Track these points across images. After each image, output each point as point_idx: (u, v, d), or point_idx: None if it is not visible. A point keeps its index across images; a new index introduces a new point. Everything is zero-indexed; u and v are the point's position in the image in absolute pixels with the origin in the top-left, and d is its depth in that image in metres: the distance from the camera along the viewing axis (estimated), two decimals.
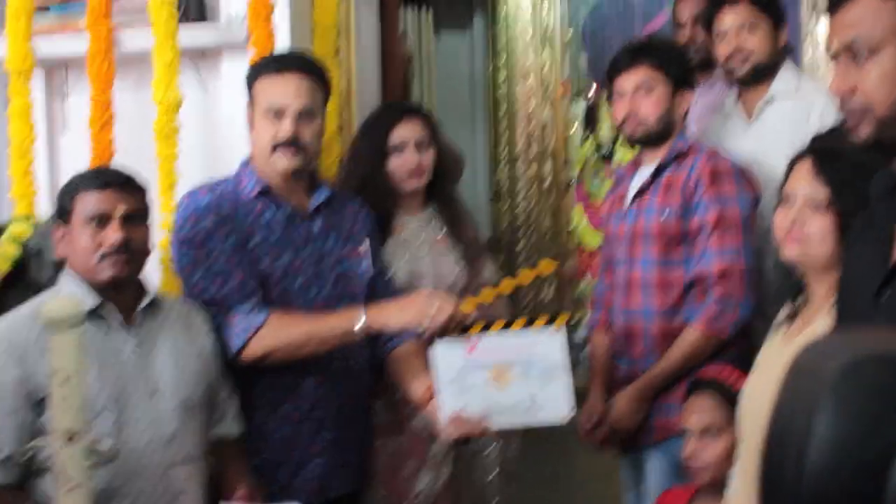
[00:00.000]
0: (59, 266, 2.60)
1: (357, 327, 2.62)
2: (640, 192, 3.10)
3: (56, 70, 3.67)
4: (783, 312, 2.41)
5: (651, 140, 3.09)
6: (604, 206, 3.41)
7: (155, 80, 3.26)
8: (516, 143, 6.99)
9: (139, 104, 3.39)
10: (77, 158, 3.40)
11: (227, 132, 3.41)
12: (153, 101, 3.25)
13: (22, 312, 2.40)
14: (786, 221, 2.26)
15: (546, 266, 2.74)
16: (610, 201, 3.29)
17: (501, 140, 7.02)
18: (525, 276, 2.74)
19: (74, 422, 1.62)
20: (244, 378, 2.72)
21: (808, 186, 2.23)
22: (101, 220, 2.42)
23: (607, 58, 3.26)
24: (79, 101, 3.52)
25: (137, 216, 2.49)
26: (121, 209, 2.43)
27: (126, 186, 2.48)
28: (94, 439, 1.68)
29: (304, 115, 2.72)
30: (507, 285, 2.71)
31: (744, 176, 3.02)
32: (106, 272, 2.41)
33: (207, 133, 3.50)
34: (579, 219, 8.19)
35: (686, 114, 3.15)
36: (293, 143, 2.71)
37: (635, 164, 3.21)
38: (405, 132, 3.13)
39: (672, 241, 3.01)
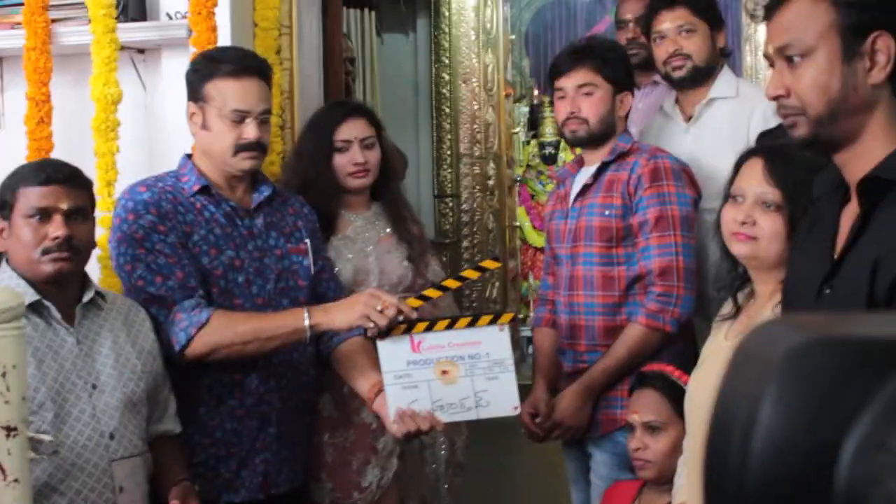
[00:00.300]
0: None
1: (305, 327, 2.61)
2: (583, 191, 3.12)
3: None
4: (725, 308, 2.43)
5: (592, 141, 3.11)
6: (547, 205, 3.43)
7: (93, 76, 3.22)
8: (460, 144, 7.00)
9: (78, 100, 3.34)
10: (14, 154, 3.35)
11: (167, 129, 3.37)
12: (91, 97, 3.21)
13: None
14: (736, 219, 2.28)
15: (490, 264, 2.76)
16: (553, 200, 3.32)
17: (445, 140, 7.04)
18: (469, 273, 2.75)
19: (14, 416, 1.59)
20: (188, 373, 2.69)
21: (758, 186, 2.25)
22: (44, 216, 2.38)
23: (550, 61, 3.28)
24: (16, 96, 3.47)
25: (80, 212, 2.44)
26: (63, 205, 2.39)
27: (69, 181, 2.44)
28: (35, 434, 1.64)
29: (263, 118, 2.74)
30: (451, 283, 2.72)
31: (685, 175, 3.05)
32: (47, 268, 2.38)
33: (147, 130, 3.46)
34: (523, 219, 8.24)
35: (627, 115, 3.17)
36: (257, 146, 2.73)
37: (578, 164, 3.24)
38: (351, 130, 3.14)
39: (614, 239, 3.03)
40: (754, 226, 2.25)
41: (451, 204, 7.03)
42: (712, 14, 3.41)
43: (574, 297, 3.10)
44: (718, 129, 3.29)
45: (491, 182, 7.07)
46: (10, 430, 1.58)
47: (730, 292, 2.40)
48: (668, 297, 2.95)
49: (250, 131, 2.70)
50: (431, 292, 2.68)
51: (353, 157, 3.12)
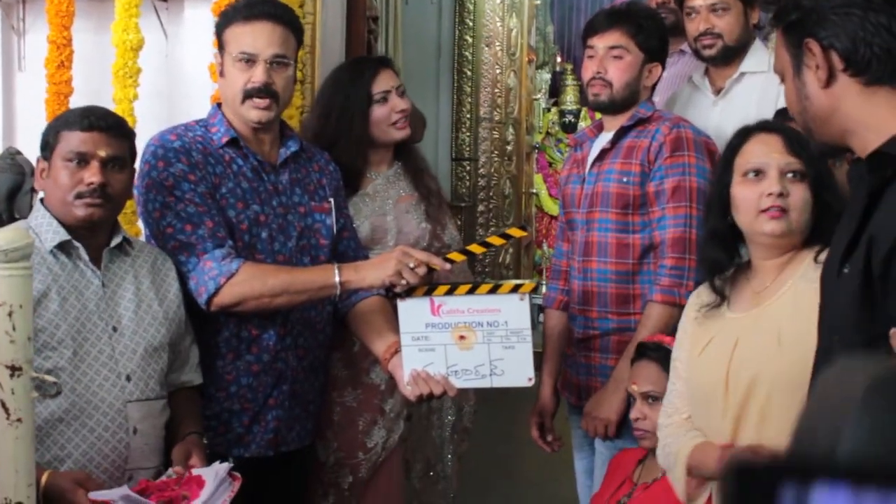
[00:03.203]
0: (10, 200, 2.56)
1: (336, 283, 2.59)
2: (601, 156, 3.09)
3: (14, 7, 3.60)
4: (704, 297, 2.35)
5: (613, 106, 3.07)
6: (563, 169, 3.39)
7: (114, 22, 3.21)
8: (480, 108, 6.98)
9: (99, 46, 3.34)
10: (33, 97, 3.35)
11: (187, 78, 3.37)
12: (112, 43, 3.20)
13: None
14: (765, 192, 2.20)
15: (516, 232, 2.74)
16: (569, 163, 3.28)
17: (465, 104, 7.01)
18: (494, 240, 2.72)
19: (19, 355, 1.59)
20: (207, 326, 2.69)
21: (782, 157, 2.21)
22: (81, 161, 2.41)
23: (574, 29, 3.24)
24: (36, 40, 3.46)
25: (118, 161, 2.47)
26: (102, 152, 2.43)
27: (111, 130, 2.47)
28: (39, 374, 1.64)
29: (276, 63, 2.68)
30: (477, 248, 2.69)
31: (705, 147, 3.01)
32: (79, 212, 2.42)
33: (167, 78, 3.45)
34: (540, 186, 8.21)
35: (654, 86, 3.14)
36: (265, 91, 2.66)
37: (597, 128, 3.20)
38: (388, 81, 3.14)
39: (630, 206, 3.00)
40: (787, 198, 2.18)
41: (468, 168, 7.01)
42: None
43: (588, 263, 3.07)
44: (748, 104, 3.23)
45: (509, 147, 7.05)
46: (14, 370, 1.58)
47: (713, 277, 2.32)
48: (680, 269, 2.91)
49: (258, 75, 2.65)
50: (456, 256, 2.66)
51: (395, 106, 3.12)
